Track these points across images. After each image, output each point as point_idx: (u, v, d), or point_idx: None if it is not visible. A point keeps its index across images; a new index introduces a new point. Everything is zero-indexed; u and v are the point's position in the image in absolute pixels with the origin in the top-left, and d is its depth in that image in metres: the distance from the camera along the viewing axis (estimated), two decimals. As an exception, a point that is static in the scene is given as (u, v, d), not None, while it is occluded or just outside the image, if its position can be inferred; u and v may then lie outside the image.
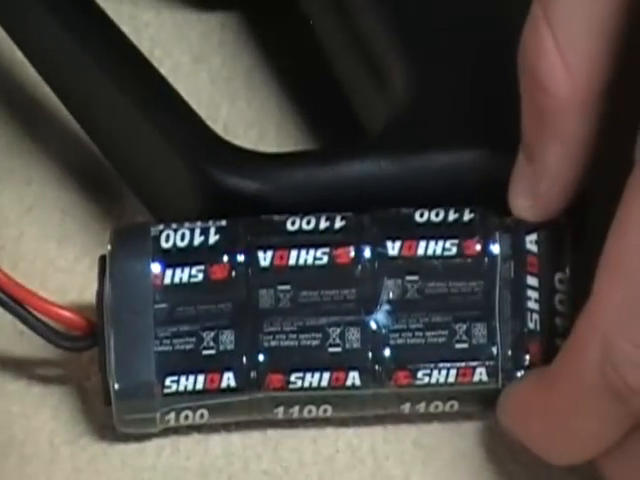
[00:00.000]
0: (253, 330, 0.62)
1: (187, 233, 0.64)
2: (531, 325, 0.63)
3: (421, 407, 0.63)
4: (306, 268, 0.64)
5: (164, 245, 0.63)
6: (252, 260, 0.63)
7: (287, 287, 0.63)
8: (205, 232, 0.64)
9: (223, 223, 0.64)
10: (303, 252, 0.63)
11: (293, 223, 0.63)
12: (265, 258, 0.63)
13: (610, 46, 0.62)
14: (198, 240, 0.64)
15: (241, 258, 0.63)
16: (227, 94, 0.76)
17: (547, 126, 0.63)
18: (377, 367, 0.63)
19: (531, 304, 0.63)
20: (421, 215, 0.64)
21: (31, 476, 0.66)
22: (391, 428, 0.65)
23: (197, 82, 0.75)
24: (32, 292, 0.62)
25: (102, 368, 0.62)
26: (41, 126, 0.76)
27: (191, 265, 0.63)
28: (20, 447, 0.67)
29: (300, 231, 0.64)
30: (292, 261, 0.63)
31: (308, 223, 0.64)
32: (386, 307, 0.63)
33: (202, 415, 0.63)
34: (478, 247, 0.63)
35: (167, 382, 0.61)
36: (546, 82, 0.62)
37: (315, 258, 0.63)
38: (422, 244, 0.63)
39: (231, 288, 0.63)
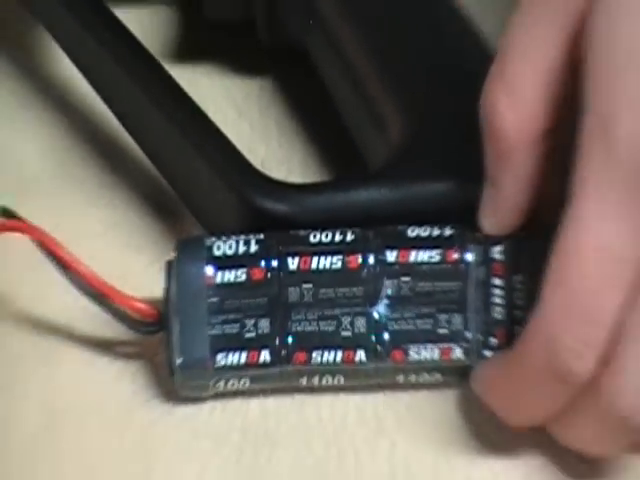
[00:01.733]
0: (283, 318, 0.65)
1: (233, 244, 0.66)
2: (496, 316, 0.64)
3: (412, 378, 0.65)
4: (324, 271, 0.65)
5: (215, 253, 0.65)
6: (283, 265, 0.65)
7: (310, 285, 0.64)
8: (247, 243, 0.66)
9: (261, 236, 0.65)
10: (322, 259, 0.65)
11: (314, 236, 0.65)
12: (293, 263, 0.65)
13: (553, 98, 0.63)
14: (242, 249, 0.65)
15: (274, 263, 0.65)
16: (263, 139, 0.77)
17: (502, 161, 0.64)
18: (378, 347, 0.65)
19: (496, 299, 0.64)
20: (412, 231, 0.65)
21: (113, 430, 0.66)
22: (389, 394, 0.66)
23: (241, 130, 0.76)
24: (115, 289, 0.63)
25: (167, 347, 0.64)
26: (123, 163, 0.77)
27: (236, 268, 0.65)
28: (104, 408, 0.67)
29: (320, 243, 0.65)
30: (314, 265, 0.65)
31: (326, 236, 0.65)
32: (385, 301, 0.65)
33: (244, 383, 0.65)
34: (456, 256, 0.65)
35: (218, 358, 0.63)
36: (499, 128, 0.63)
37: (331, 263, 0.65)
38: (413, 253, 0.65)
39: (266, 286, 0.65)
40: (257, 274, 0.64)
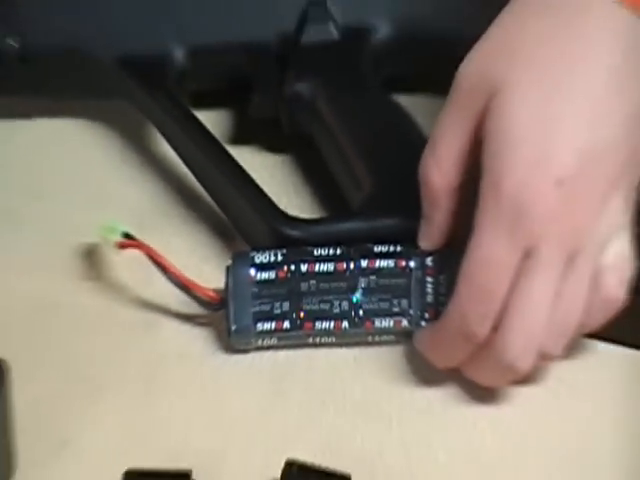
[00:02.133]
0: (297, 301, 0.73)
1: (266, 255, 0.74)
2: (429, 300, 0.73)
3: (377, 338, 0.74)
4: (323, 273, 0.73)
5: (256, 261, 0.73)
6: (297, 268, 0.73)
7: (314, 281, 0.73)
8: (275, 255, 0.73)
9: (284, 251, 0.73)
10: (321, 265, 0.73)
11: (317, 251, 0.73)
12: (303, 267, 0.73)
13: (463, 164, 0.70)
14: (272, 259, 0.73)
15: (292, 267, 0.73)
16: (285, 192, 0.83)
17: (432, 205, 0.72)
18: (356, 319, 0.73)
19: (428, 290, 0.73)
20: (377, 247, 0.73)
21: (194, 370, 0.75)
22: (364, 349, 0.74)
23: (271, 186, 0.80)
24: (195, 282, 0.73)
25: (227, 319, 0.73)
26: (198, 205, 0.83)
27: (268, 270, 0.73)
28: (189, 357, 0.75)
29: (320, 255, 0.73)
30: (316, 269, 0.73)
31: (324, 251, 0.73)
32: (360, 291, 0.73)
33: (273, 341, 0.74)
34: (404, 263, 0.73)
35: (257, 325, 0.72)
36: (429, 184, 0.71)
37: (327, 267, 0.73)
38: (378, 261, 0.73)
39: (287, 282, 0.73)
40: (281, 274, 0.73)
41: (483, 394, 0.72)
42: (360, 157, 0.79)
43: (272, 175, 0.85)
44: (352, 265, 0.73)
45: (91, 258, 0.80)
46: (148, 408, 0.72)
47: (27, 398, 0.68)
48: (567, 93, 0.67)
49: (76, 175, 0.87)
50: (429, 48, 0.83)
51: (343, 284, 0.73)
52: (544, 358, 0.69)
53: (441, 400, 0.72)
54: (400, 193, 0.75)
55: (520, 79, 0.67)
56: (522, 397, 0.73)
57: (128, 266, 0.77)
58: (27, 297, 0.78)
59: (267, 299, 0.73)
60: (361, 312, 0.73)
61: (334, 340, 0.74)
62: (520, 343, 0.67)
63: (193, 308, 0.75)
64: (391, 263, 0.73)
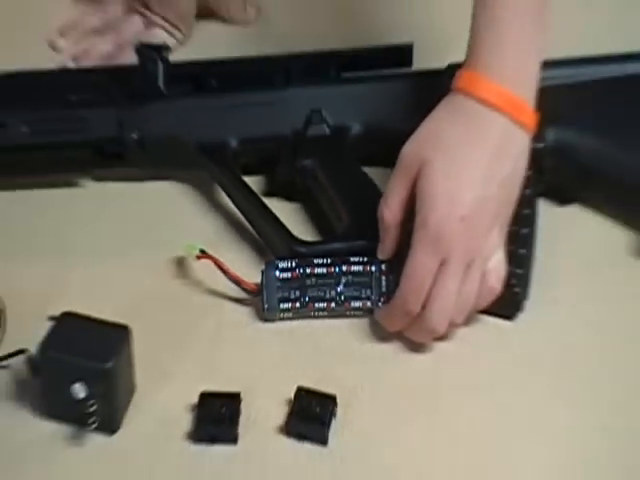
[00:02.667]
0: (304, 291, 0.76)
1: (286, 263, 0.76)
2: (383, 290, 0.76)
3: (353, 313, 0.77)
4: (320, 274, 0.76)
5: (279, 266, 0.76)
6: (304, 271, 0.76)
7: (314, 279, 0.76)
8: (290, 263, 0.76)
9: (296, 260, 0.76)
10: (319, 269, 0.76)
11: (316, 261, 0.76)
12: (308, 270, 0.76)
13: (405, 207, 0.74)
14: (288, 265, 0.76)
15: (301, 270, 0.76)
16: (296, 222, 0.82)
17: (384, 233, 0.75)
18: (340, 302, 0.76)
19: (383, 284, 0.76)
20: (352, 258, 0.76)
21: (240, 333, 0.77)
22: (346, 320, 0.77)
23: (286, 219, 0.80)
24: (245, 280, 0.76)
25: (262, 301, 0.76)
26: (239, 229, 0.83)
27: (287, 272, 0.76)
28: (239, 326, 0.77)
29: (318, 263, 0.76)
30: (316, 271, 0.76)
31: (320, 260, 0.76)
32: (342, 285, 0.76)
33: (290, 315, 0.77)
34: (368, 268, 0.76)
35: (280, 305, 0.76)
36: (383, 219, 0.75)
37: (322, 270, 0.76)
38: (353, 267, 0.76)
39: (298, 279, 0.76)
40: (294, 275, 0.77)
41: (417, 346, 0.76)
42: (341, 203, 0.81)
43: (289, 214, 0.84)
44: (337, 269, 0.77)
45: (181, 265, 0.81)
46: (216, 355, 0.75)
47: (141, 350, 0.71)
48: (465, 167, 0.72)
49: (171, 215, 0.86)
50: (383, 139, 0.81)
51: (332, 280, 0.77)
52: (452, 325, 0.75)
53: (393, 349, 0.76)
54: (366, 226, 0.77)
55: (438, 158, 0.72)
56: (436, 348, 0.76)
57: (203, 270, 0.79)
58: (147, 290, 0.79)
59: (286, 290, 0.77)
60: (343, 297, 0.77)
61: (327, 314, 0.78)
62: (438, 316, 0.73)
63: (242, 295, 0.79)
64: (360, 268, 0.77)
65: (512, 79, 0.73)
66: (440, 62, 0.81)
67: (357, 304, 0.77)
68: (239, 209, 0.83)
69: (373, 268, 0.77)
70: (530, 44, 0.74)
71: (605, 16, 0.97)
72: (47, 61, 0.92)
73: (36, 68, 0.87)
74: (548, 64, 0.75)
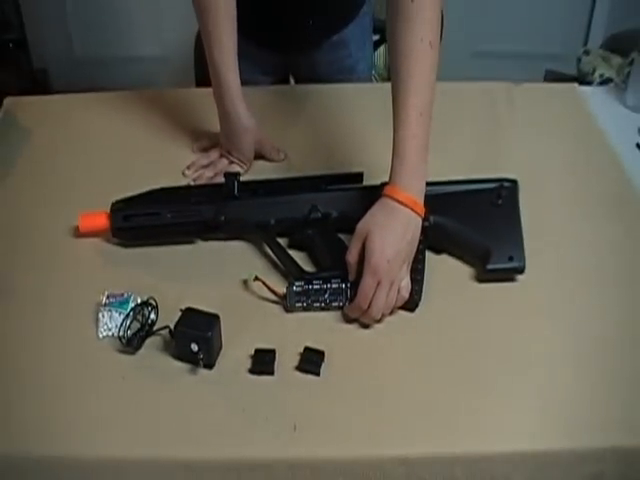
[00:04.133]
0: (308, 297, 0.73)
1: (299, 282, 0.74)
2: (349, 297, 0.73)
3: (333, 308, 0.74)
4: (317, 289, 0.73)
5: (295, 284, 0.73)
6: (308, 287, 0.73)
7: (313, 291, 0.73)
8: (301, 282, 0.73)
9: (303, 281, 0.74)
10: (316, 285, 0.73)
11: (314, 281, 0.74)
12: (310, 287, 0.73)
13: (360, 256, 0.72)
14: (300, 284, 0.74)
15: (307, 286, 0.73)
16: (303, 262, 0.78)
17: (350, 267, 0.72)
18: (328, 302, 0.74)
19: (349, 293, 0.73)
20: (334, 279, 0.73)
21: (269, 320, 0.73)
22: (330, 312, 0.75)
23: (298, 260, 0.78)
24: (277, 290, 0.74)
25: (287, 300, 0.74)
26: (276, 265, 0.79)
27: (299, 287, 0.73)
28: (266, 317, 0.74)
29: (315, 282, 0.73)
30: (314, 287, 0.73)
31: (317, 282, 0.74)
32: (329, 293, 0.73)
33: (302, 309, 0.74)
34: (342, 285, 0.73)
35: (296, 304, 0.74)
36: (348, 262, 0.72)
37: (317, 287, 0.73)
38: (333, 284, 0.73)
39: (305, 291, 0.73)
40: (303, 289, 0.74)
41: (366, 325, 0.73)
42: (327, 252, 0.79)
43: (300, 257, 0.80)
44: (325, 285, 0.74)
45: (245, 284, 0.78)
46: (263, 329, 0.72)
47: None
48: (389, 235, 0.71)
49: (239, 257, 0.81)
50: (348, 220, 0.76)
51: (322, 291, 0.74)
52: (384, 315, 0.73)
53: (354, 326, 0.74)
54: (339, 264, 0.75)
55: (375, 230, 0.71)
56: (374, 325, 0.73)
57: (257, 286, 0.76)
58: (228, 296, 0.75)
59: (298, 296, 0.74)
60: (328, 300, 0.74)
61: (320, 309, 0.75)
62: (376, 311, 0.72)
63: (276, 299, 0.75)
64: (337, 285, 0.74)
65: (412, 189, 0.72)
66: (376, 180, 0.79)
67: (335, 304, 0.75)
68: (274, 255, 0.80)
69: (343, 285, 0.75)
70: (421, 171, 0.73)
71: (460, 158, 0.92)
72: (181, 181, 0.90)
73: (176, 185, 0.85)
74: (429, 183, 0.75)
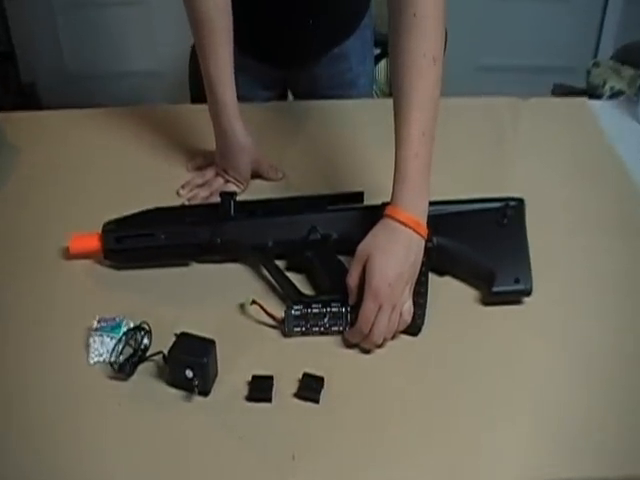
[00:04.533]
0: (307, 321, 0.73)
1: (297, 306, 0.74)
2: (349, 321, 0.73)
3: (332, 333, 0.74)
4: (316, 312, 0.73)
5: (294, 307, 0.73)
6: (307, 311, 0.73)
7: (312, 315, 0.73)
8: (300, 306, 0.74)
9: (302, 305, 0.74)
10: (314, 310, 0.74)
11: (313, 305, 0.74)
12: (309, 310, 0.73)
13: (361, 279, 0.72)
14: (299, 307, 0.73)
15: (306, 310, 0.73)
16: (301, 285, 0.78)
17: (350, 290, 0.72)
18: (327, 327, 0.74)
19: (349, 318, 0.73)
20: (333, 303, 0.74)
21: (266, 345, 0.73)
22: (329, 336, 0.74)
23: (297, 283, 0.78)
24: (275, 315, 0.73)
25: (285, 325, 0.73)
26: (275, 289, 0.79)
27: (298, 311, 0.73)
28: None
29: (314, 307, 0.74)
30: (313, 311, 0.73)
31: (315, 305, 0.74)
32: (327, 318, 0.73)
33: (300, 334, 0.74)
34: (342, 309, 0.73)
35: (295, 329, 0.74)
36: (349, 285, 0.72)
37: (317, 310, 0.74)
38: (333, 308, 0.73)
39: (304, 315, 0.73)
40: (302, 313, 0.74)
41: (367, 350, 0.73)
42: (326, 274, 0.79)
43: (299, 280, 0.80)
44: (324, 309, 0.74)
45: (242, 307, 0.78)
46: (260, 355, 0.72)
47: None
48: (390, 257, 0.71)
49: (237, 281, 0.81)
50: (348, 242, 0.76)
51: (322, 315, 0.74)
52: (385, 340, 0.73)
53: (354, 352, 0.74)
54: (339, 287, 0.75)
55: (376, 253, 0.71)
56: (375, 351, 0.73)
57: (254, 310, 0.76)
58: (224, 320, 0.75)
59: (297, 320, 0.74)
60: (327, 325, 0.75)
61: (319, 334, 0.75)
62: (378, 335, 0.72)
63: (274, 323, 0.75)
64: (337, 309, 0.74)
65: (414, 210, 0.72)
66: (377, 200, 0.79)
67: (335, 328, 0.75)
68: (272, 277, 0.80)
69: (343, 309, 0.75)
70: (423, 191, 0.73)
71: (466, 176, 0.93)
72: (175, 201, 0.90)
73: (170, 205, 0.86)
74: (432, 203, 0.75)
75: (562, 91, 1.50)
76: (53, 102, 1.49)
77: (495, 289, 0.77)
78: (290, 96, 1.19)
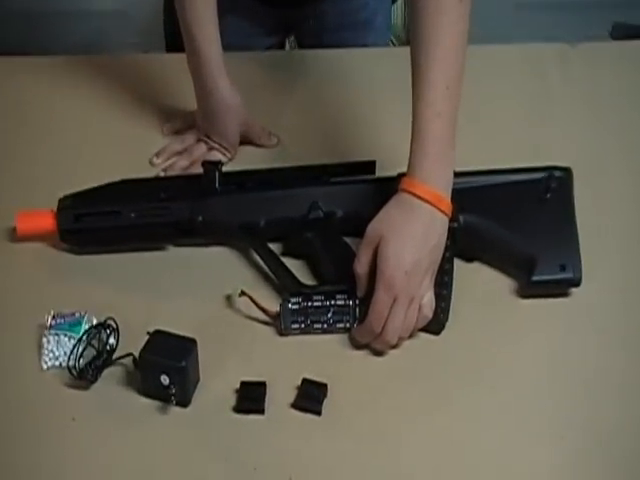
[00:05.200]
0: (307, 316, 0.74)
1: (295, 299, 0.74)
2: (357, 316, 0.75)
3: (337, 331, 0.75)
4: (317, 306, 0.74)
5: (291, 300, 0.74)
6: (306, 304, 0.74)
7: (313, 309, 0.74)
8: (298, 298, 0.75)
9: (301, 297, 0.75)
10: (316, 302, 0.74)
11: (314, 297, 0.75)
12: (309, 303, 0.74)
13: (370, 265, 0.73)
14: (296, 300, 0.74)
15: (305, 303, 0.74)
16: (300, 273, 0.79)
17: (359, 280, 0.73)
18: (331, 324, 0.75)
19: (357, 313, 0.75)
20: (338, 295, 0.74)
21: (258, 345, 0.74)
22: (333, 335, 0.75)
23: (295, 271, 0.79)
24: (269, 310, 0.74)
25: (281, 321, 0.74)
26: (268, 279, 0.79)
27: (296, 305, 0.74)
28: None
29: (315, 299, 0.74)
30: (314, 304, 0.74)
31: (317, 297, 0.75)
32: (331, 313, 0.74)
33: (298, 332, 0.75)
34: (349, 302, 0.74)
35: (292, 325, 0.74)
36: (357, 272, 0.73)
37: (318, 303, 0.74)
38: (338, 301, 0.74)
39: (303, 309, 0.74)
40: (300, 307, 0.75)
41: (378, 352, 0.74)
42: (330, 260, 0.80)
43: (297, 267, 0.81)
44: (328, 302, 0.76)
45: (229, 300, 0.79)
46: (251, 357, 0.73)
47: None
48: (406, 239, 0.72)
49: (222, 268, 0.82)
50: (356, 220, 0.77)
51: (324, 310, 0.75)
52: (401, 339, 0.74)
53: (363, 354, 0.75)
54: (345, 275, 0.76)
55: (389, 234, 0.72)
56: (388, 352, 0.74)
57: (243, 303, 0.77)
58: (207, 316, 0.77)
59: (295, 316, 0.75)
60: (331, 321, 0.76)
61: (321, 332, 0.76)
62: (392, 334, 0.73)
63: (267, 319, 0.77)
64: (342, 302, 0.76)
65: (436, 182, 0.73)
66: (391, 170, 0.80)
67: (340, 325, 0.77)
68: (265, 264, 0.82)
69: (350, 302, 0.76)
70: (447, 159, 0.74)
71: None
72: (148, 172, 0.91)
73: (141, 177, 0.86)
74: (458, 173, 0.76)
75: (623, 33, 1.49)
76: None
77: (535, 278, 0.78)
78: (288, 45, 1.20)
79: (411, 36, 0.74)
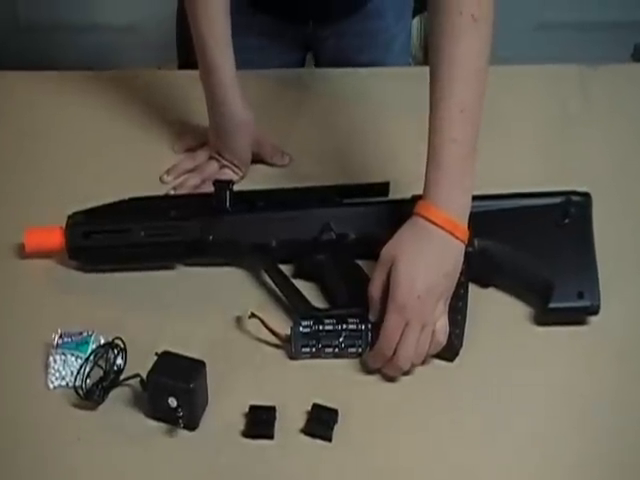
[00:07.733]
0: (318, 340, 0.75)
1: (306, 322, 0.75)
2: (369, 341, 0.75)
3: (349, 355, 0.75)
4: (329, 330, 0.75)
5: (302, 324, 0.75)
6: (318, 327, 0.75)
7: (324, 333, 0.75)
8: (309, 321, 0.75)
9: (313, 320, 0.75)
10: (327, 326, 0.75)
11: (326, 320, 0.75)
12: (321, 327, 0.75)
13: (384, 288, 0.74)
14: (307, 323, 0.75)
15: (316, 327, 0.75)
16: (312, 296, 0.80)
17: (372, 303, 0.74)
18: (342, 348, 0.75)
19: (369, 338, 0.75)
20: (350, 319, 0.75)
21: (268, 369, 0.75)
22: (345, 360, 0.75)
23: (306, 293, 0.80)
24: (279, 333, 0.75)
25: (292, 345, 0.75)
26: (279, 301, 0.80)
27: (307, 328, 0.75)
28: (265, 363, 0.75)
29: (327, 322, 0.75)
30: (326, 328, 0.75)
31: (328, 321, 0.75)
32: (343, 337, 0.75)
33: (309, 355, 0.75)
34: (362, 327, 0.75)
35: (303, 349, 0.75)
36: (371, 295, 0.74)
37: (330, 327, 0.75)
38: (350, 325, 0.75)
39: (314, 332, 0.75)
40: (311, 330, 0.75)
41: (390, 377, 0.74)
42: (343, 283, 0.81)
43: (308, 290, 0.82)
44: (340, 327, 0.76)
45: (239, 322, 0.79)
46: (260, 380, 0.74)
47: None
48: (420, 264, 0.72)
49: (231, 289, 0.83)
50: (369, 243, 0.79)
51: (336, 334, 0.76)
52: (413, 365, 0.75)
53: (374, 379, 0.75)
54: (358, 299, 0.77)
55: (403, 258, 0.73)
56: (400, 378, 0.74)
57: (253, 325, 0.77)
58: (217, 338, 0.77)
59: (306, 339, 0.76)
60: (343, 345, 0.76)
61: (332, 356, 0.77)
62: (404, 359, 0.73)
63: (277, 342, 0.77)
64: (354, 326, 0.76)
65: (451, 208, 0.73)
66: (406, 192, 0.81)
67: (352, 350, 0.77)
68: (276, 286, 0.82)
69: (362, 326, 0.76)
70: (463, 185, 0.74)
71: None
72: (158, 189, 0.92)
73: (151, 194, 0.87)
74: (475, 197, 0.76)
75: (645, 55, 1.50)
76: (3, 61, 1.44)
77: (553, 305, 0.78)
78: (307, 63, 1.21)
79: (429, 56, 0.74)
